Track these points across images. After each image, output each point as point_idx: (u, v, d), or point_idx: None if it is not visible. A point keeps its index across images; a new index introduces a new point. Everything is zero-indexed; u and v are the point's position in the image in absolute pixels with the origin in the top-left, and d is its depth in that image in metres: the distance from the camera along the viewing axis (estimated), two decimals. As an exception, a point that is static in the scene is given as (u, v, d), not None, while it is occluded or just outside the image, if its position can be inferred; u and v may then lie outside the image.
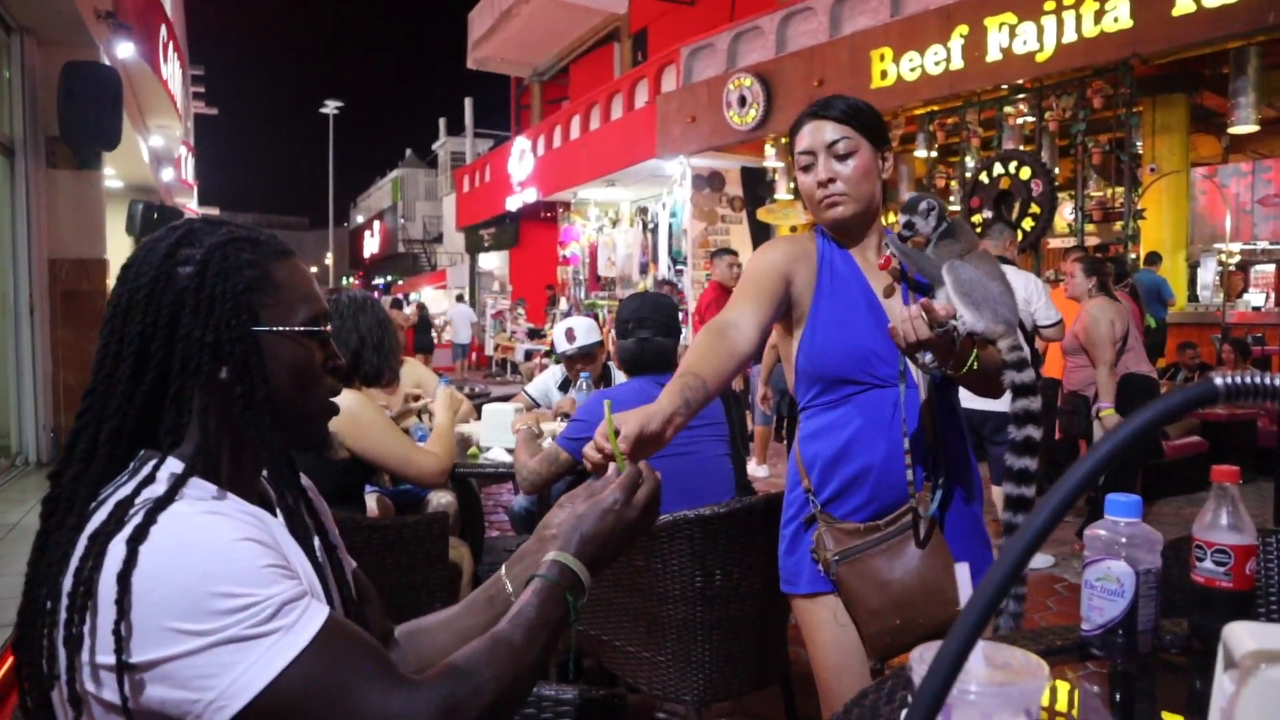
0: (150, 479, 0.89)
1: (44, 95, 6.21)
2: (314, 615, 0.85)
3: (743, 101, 10.12)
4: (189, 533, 0.84)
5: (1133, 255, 8.21)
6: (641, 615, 2.28)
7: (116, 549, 0.81)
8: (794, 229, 11.59)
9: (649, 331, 2.65)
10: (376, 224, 39.64)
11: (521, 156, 17.06)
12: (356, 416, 2.38)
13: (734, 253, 7.23)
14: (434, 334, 20.53)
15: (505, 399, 4.66)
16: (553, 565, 1.02)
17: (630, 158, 12.83)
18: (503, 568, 1.18)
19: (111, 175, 10.44)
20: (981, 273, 1.63)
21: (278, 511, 1.02)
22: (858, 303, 1.74)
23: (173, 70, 9.73)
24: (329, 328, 1.03)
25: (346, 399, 2.38)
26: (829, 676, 1.75)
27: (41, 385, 6.33)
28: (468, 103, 25.94)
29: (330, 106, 32.40)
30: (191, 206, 16.84)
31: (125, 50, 6.93)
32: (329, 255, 37.85)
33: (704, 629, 2.22)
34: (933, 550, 1.64)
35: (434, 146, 32.76)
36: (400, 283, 33.97)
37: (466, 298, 22.21)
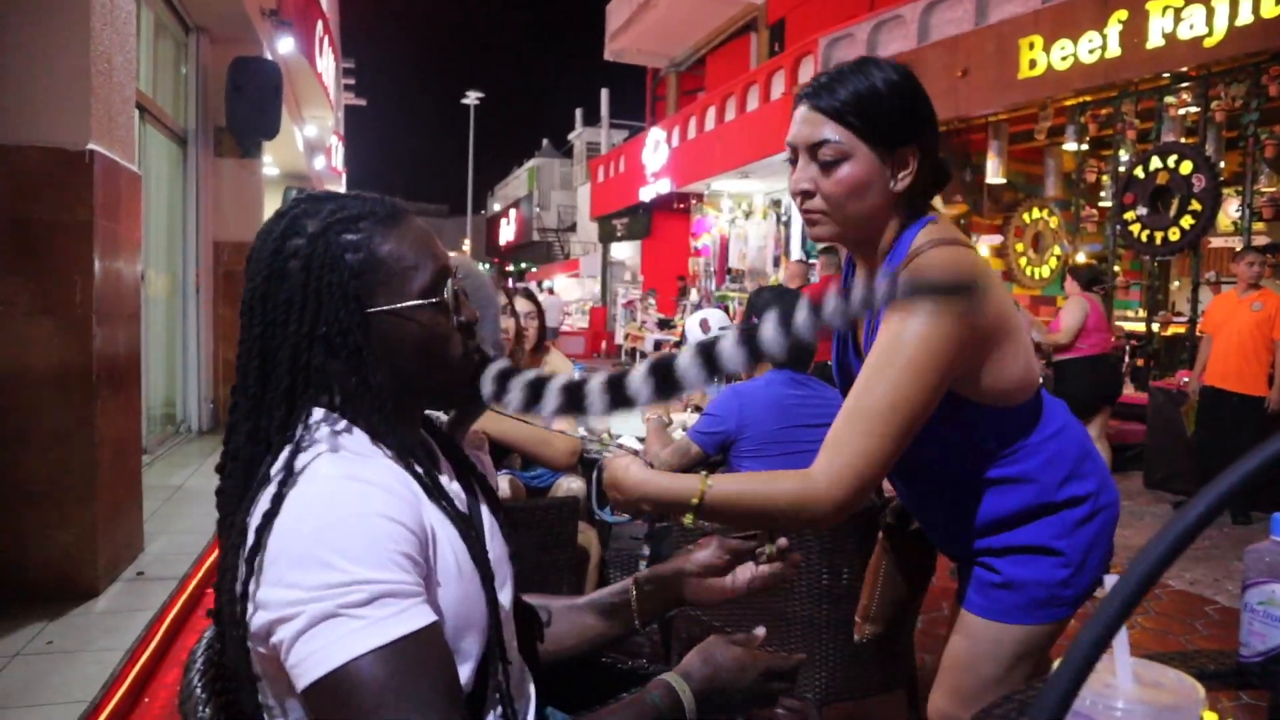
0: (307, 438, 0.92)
1: (213, 89, 6.63)
2: (411, 617, 0.82)
3: (882, 92, 9.87)
4: (319, 498, 0.85)
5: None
6: (765, 609, 2.27)
7: (263, 502, 0.86)
8: (932, 223, 11.26)
9: None
10: (513, 212, 40.55)
11: (656, 147, 17.12)
12: None
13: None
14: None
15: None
16: (667, 691, 1.01)
17: (765, 150, 12.70)
18: (632, 581, 1.17)
19: (269, 163, 11.05)
20: None
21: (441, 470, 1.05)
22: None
23: (327, 64, 10.22)
24: (453, 286, 1.01)
25: None
26: None
27: (204, 360, 6.77)
28: (604, 94, 26.24)
29: (471, 97, 33.32)
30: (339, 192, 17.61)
31: (286, 45, 7.32)
32: (466, 242, 38.98)
33: (829, 628, 2.20)
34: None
35: (570, 137, 33.28)
36: (534, 270, 34.68)
37: (556, 289, 22.80)
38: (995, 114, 9.16)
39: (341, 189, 18.56)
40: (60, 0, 3.18)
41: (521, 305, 3.60)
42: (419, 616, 0.82)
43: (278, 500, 0.85)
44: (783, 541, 1.12)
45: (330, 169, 14.60)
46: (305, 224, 0.95)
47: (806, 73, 12.06)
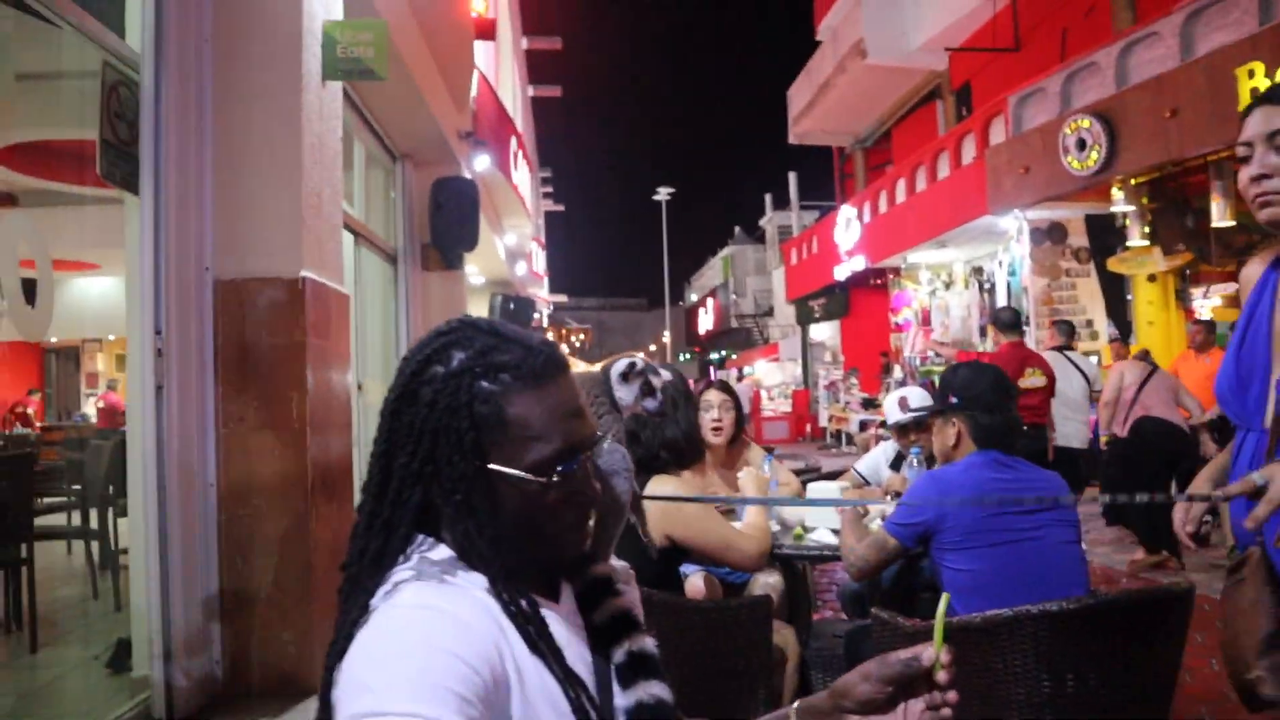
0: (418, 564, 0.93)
1: (418, 209, 7.14)
2: None
3: (1081, 145, 9.34)
4: (388, 624, 0.85)
5: None
6: None
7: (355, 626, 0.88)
8: (1152, 278, 10.42)
9: (1010, 406, 2.50)
10: (710, 301, 41.10)
11: (847, 225, 16.95)
12: (681, 506, 2.40)
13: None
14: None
15: (837, 474, 4.52)
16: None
17: (960, 217, 12.28)
18: (793, 713, 1.05)
19: (474, 272, 11.75)
20: None
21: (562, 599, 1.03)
22: (1245, 328, 1.65)
23: (522, 176, 10.83)
24: (580, 462, 0.98)
25: (667, 488, 2.41)
26: None
27: (417, 463, 7.14)
28: (792, 177, 26.40)
29: (662, 193, 34.38)
30: (542, 295, 18.50)
31: (482, 163, 7.81)
32: (666, 334, 39.72)
33: (1053, 739, 1.96)
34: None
35: (761, 222, 33.59)
36: (734, 357, 34.81)
37: (749, 375, 22.94)
38: (1215, 152, 8.43)
39: (544, 292, 19.53)
40: (275, 145, 3.52)
41: (715, 398, 3.54)
42: None
43: (361, 621, 0.87)
44: (945, 658, 0.97)
45: (531, 273, 15.35)
46: (453, 355, 0.95)
47: (998, 134, 11.63)
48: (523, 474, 0.93)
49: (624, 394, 1.26)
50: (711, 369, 38.08)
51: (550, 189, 23.48)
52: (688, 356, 47.41)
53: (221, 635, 3.41)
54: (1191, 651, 4.10)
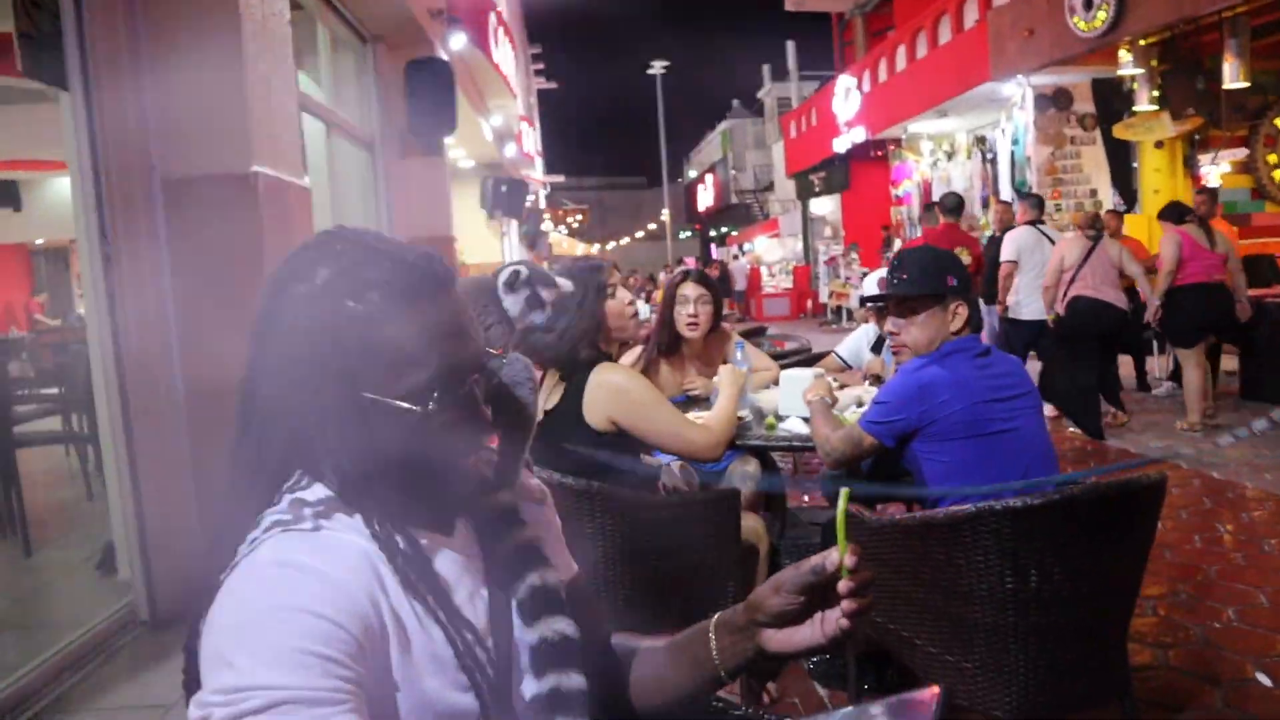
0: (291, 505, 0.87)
1: (393, 94, 6.86)
2: None
3: (1089, 4, 8.91)
4: (246, 587, 0.79)
5: None
6: (943, 615, 2.02)
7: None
8: (1159, 144, 10.11)
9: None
10: (709, 177, 40.37)
11: (847, 95, 16.47)
12: (625, 392, 2.31)
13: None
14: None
15: (820, 357, 4.44)
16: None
17: (962, 84, 11.88)
18: (711, 628, 1.00)
19: (462, 156, 11.45)
20: None
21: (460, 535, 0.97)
22: None
23: (504, 53, 10.40)
24: (467, 386, 0.90)
25: (615, 375, 2.32)
26: None
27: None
28: (789, 46, 25.56)
29: (657, 67, 33.34)
30: (535, 176, 18.08)
31: (458, 42, 7.48)
32: (665, 212, 39.22)
33: (1018, 636, 1.92)
34: None
35: (759, 95, 32.66)
36: (734, 233, 34.42)
37: (747, 253, 22.52)
38: (1231, 8, 8.04)
39: (537, 173, 19.11)
40: (213, 31, 3.31)
41: (691, 291, 3.41)
42: None
43: (229, 570, 0.81)
44: (850, 561, 0.87)
45: (522, 154, 14.99)
46: (317, 271, 0.86)
47: (1002, -6, 11.12)
48: (398, 402, 0.85)
49: (511, 305, 1.15)
50: (712, 246, 37.71)
51: (542, 65, 22.71)
52: (688, 234, 46.92)
53: (201, 536, 3.41)
54: (1174, 527, 4.13)
